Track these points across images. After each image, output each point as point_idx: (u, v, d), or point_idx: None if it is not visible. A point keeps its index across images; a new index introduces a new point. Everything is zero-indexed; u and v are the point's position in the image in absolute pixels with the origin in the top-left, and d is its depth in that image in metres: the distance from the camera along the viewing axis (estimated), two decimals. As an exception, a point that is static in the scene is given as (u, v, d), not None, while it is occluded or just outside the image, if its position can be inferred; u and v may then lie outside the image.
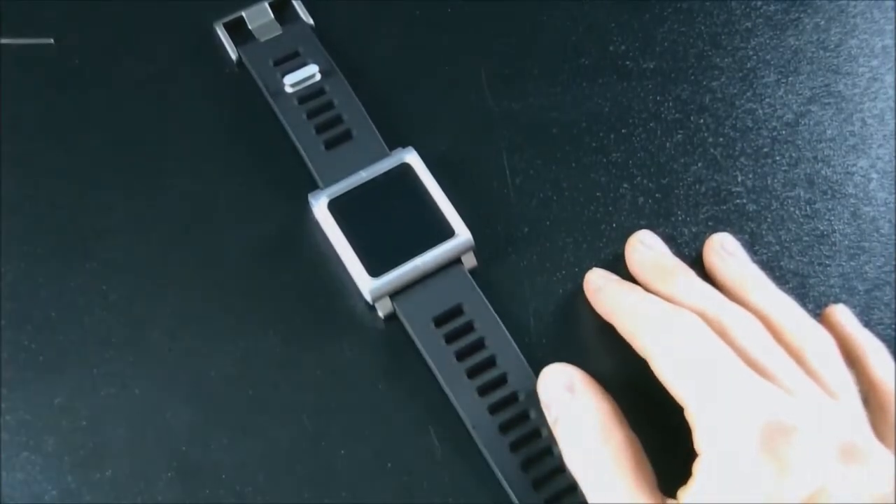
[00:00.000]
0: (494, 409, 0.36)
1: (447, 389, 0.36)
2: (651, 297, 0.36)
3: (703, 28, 0.46)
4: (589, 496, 0.33)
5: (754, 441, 0.30)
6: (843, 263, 0.41)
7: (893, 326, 0.40)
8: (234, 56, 0.43)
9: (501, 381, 0.36)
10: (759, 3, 0.47)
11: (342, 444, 0.36)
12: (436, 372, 0.37)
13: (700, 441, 0.32)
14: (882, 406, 0.34)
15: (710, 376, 0.32)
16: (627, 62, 0.45)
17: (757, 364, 0.33)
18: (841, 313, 0.38)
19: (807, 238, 0.41)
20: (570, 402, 0.34)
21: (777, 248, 0.41)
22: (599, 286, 0.38)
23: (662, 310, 0.35)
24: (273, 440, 0.36)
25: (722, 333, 0.34)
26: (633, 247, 0.39)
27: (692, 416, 0.32)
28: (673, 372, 0.33)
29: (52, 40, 0.43)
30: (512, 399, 0.36)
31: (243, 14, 0.44)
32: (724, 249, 0.39)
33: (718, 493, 0.30)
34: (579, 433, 0.34)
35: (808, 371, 0.33)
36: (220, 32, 0.44)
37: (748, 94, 0.44)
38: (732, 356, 0.33)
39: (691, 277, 0.37)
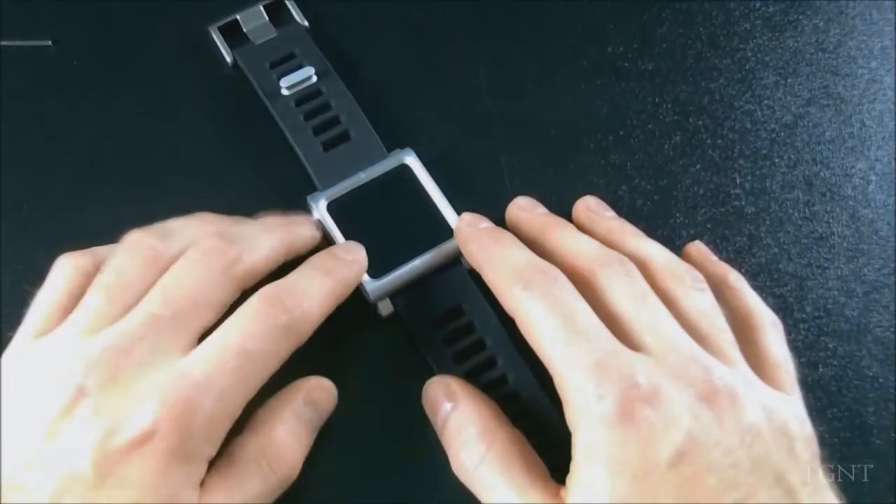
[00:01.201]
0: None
1: None
2: (521, 250, 0.37)
3: (701, 29, 0.48)
4: (482, 498, 0.34)
5: (616, 412, 0.31)
6: (842, 266, 0.43)
7: (892, 329, 0.42)
8: (228, 59, 0.45)
9: (502, 381, 0.38)
10: (758, 5, 0.49)
11: (342, 443, 0.38)
12: (436, 371, 0.38)
13: (569, 418, 0.33)
14: (745, 331, 0.36)
15: (570, 350, 0.33)
16: (626, 63, 0.47)
17: (622, 318, 0.34)
18: (698, 248, 0.41)
19: (805, 240, 0.43)
20: (450, 410, 0.36)
21: (776, 250, 0.43)
22: (470, 236, 0.38)
23: (529, 264, 0.36)
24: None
25: (593, 289, 0.35)
26: (511, 213, 0.41)
27: (558, 389, 0.33)
28: (537, 344, 0.34)
29: (49, 42, 0.45)
30: (512, 398, 0.37)
31: (238, 17, 0.45)
32: (589, 209, 0.41)
33: (592, 471, 0.31)
34: (463, 439, 0.35)
35: (678, 313, 0.35)
36: (214, 36, 0.45)
37: (747, 95, 0.46)
38: (589, 324, 0.33)
39: (567, 230, 0.39)
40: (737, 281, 0.39)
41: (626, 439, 0.31)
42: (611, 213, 0.42)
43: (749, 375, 0.34)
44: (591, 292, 0.35)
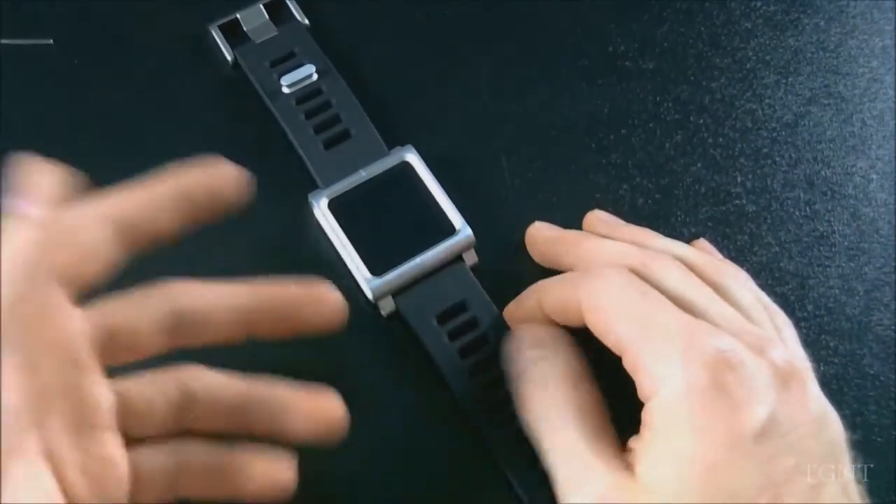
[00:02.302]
0: (500, 405, 0.38)
1: (451, 386, 0.38)
2: (567, 273, 0.38)
3: (702, 29, 0.49)
4: (544, 442, 0.34)
5: (703, 379, 0.32)
6: (843, 264, 0.44)
7: (893, 328, 0.42)
8: (229, 58, 0.46)
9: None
10: (759, 4, 0.50)
11: (342, 443, 0.37)
12: (440, 369, 0.39)
13: (645, 386, 0.33)
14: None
15: (647, 321, 0.34)
16: (627, 63, 0.47)
17: (685, 302, 0.35)
18: (706, 245, 0.42)
19: (806, 239, 0.44)
20: (539, 355, 0.36)
21: (776, 249, 0.44)
22: (516, 301, 0.40)
23: (584, 272, 0.37)
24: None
25: (648, 278, 0.36)
26: (531, 238, 0.42)
27: (633, 362, 0.34)
28: (606, 321, 0.35)
29: (51, 41, 0.46)
30: None
31: (238, 16, 0.46)
32: (603, 221, 0.42)
33: (675, 435, 0.32)
34: (547, 380, 0.35)
35: (730, 302, 0.36)
36: (215, 34, 0.46)
37: (748, 94, 0.47)
38: (663, 299, 0.34)
39: (597, 238, 0.40)
40: (747, 280, 0.40)
41: (714, 406, 0.31)
42: (623, 223, 0.43)
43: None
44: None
